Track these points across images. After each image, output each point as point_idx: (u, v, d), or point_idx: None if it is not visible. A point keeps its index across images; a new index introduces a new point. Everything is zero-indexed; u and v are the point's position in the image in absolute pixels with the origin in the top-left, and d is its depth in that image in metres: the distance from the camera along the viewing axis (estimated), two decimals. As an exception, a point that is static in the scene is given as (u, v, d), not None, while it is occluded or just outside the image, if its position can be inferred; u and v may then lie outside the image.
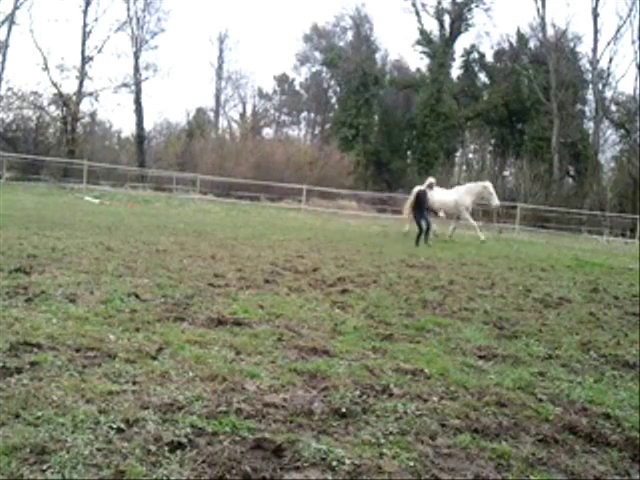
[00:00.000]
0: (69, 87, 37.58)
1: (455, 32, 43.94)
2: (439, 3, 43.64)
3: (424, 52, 45.15)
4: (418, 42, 44.89)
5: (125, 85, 39.11)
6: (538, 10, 40.59)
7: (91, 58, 37.61)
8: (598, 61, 39.93)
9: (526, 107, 42.32)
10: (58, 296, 4.65)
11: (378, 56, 46.92)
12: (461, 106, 44.89)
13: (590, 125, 42.70)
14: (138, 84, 39.81)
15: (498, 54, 45.85)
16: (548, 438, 2.72)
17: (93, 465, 2.13)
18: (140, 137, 41.59)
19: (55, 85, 35.65)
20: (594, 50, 39.79)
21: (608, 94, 41.77)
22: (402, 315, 5.20)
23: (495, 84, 44.86)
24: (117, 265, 6.45)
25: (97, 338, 3.61)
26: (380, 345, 4.08)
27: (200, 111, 49.04)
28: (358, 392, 3.08)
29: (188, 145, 41.34)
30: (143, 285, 5.47)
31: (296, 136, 51.67)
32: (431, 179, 15.14)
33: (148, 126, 45.72)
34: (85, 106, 39.07)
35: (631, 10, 38.01)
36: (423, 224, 13.66)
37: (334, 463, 2.30)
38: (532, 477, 2.36)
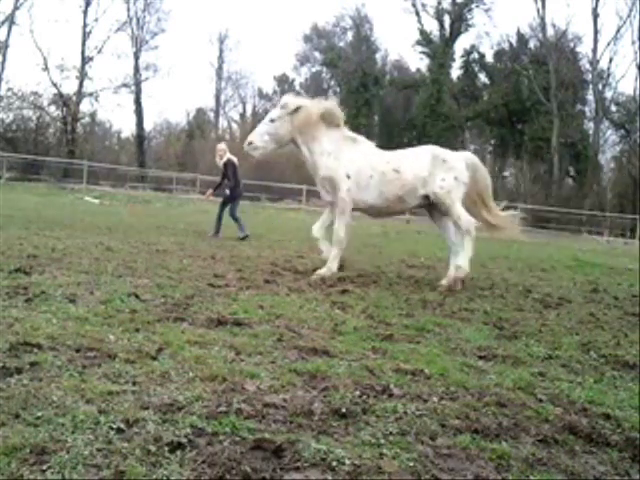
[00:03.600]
0: (69, 87, 37.72)
1: (455, 32, 44.02)
2: (439, 3, 43.76)
3: (424, 52, 45.22)
4: (418, 42, 44.97)
5: (125, 85, 39.23)
6: (538, 10, 40.69)
7: (91, 58, 37.74)
8: (598, 61, 40.00)
9: (526, 107, 42.35)
10: (58, 296, 4.65)
11: (378, 56, 47.01)
12: (461, 106, 44.93)
13: (590, 125, 42.76)
14: (138, 84, 39.91)
15: (498, 54, 45.90)
16: (548, 438, 2.72)
17: (93, 465, 2.13)
18: (140, 137, 41.65)
19: (55, 85, 35.77)
20: (594, 50, 39.87)
21: (608, 94, 41.84)
22: (402, 315, 5.20)
23: (495, 84, 44.91)
24: (117, 265, 6.44)
25: (97, 338, 3.60)
26: (380, 345, 4.08)
27: (200, 111, 49.10)
28: (358, 392, 3.08)
29: (188, 145, 41.40)
30: (143, 285, 5.47)
31: (296, 136, 51.64)
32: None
33: (148, 126, 45.84)
34: (85, 106, 39.20)
35: (631, 10, 38.14)
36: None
37: (334, 463, 2.30)
38: (532, 477, 2.35)
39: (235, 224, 11.48)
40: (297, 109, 6.81)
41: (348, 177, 6.76)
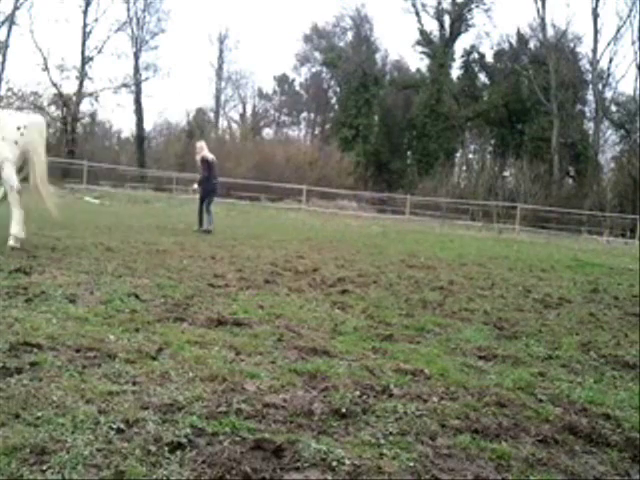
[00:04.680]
0: (69, 87, 37.55)
1: (455, 32, 43.97)
2: (439, 3, 43.69)
3: (424, 52, 45.16)
4: (418, 42, 44.91)
5: (125, 85, 39.12)
6: (538, 10, 40.61)
7: (91, 58, 37.64)
8: (598, 61, 39.94)
9: (526, 107, 42.31)
10: (58, 296, 4.65)
11: (378, 56, 46.88)
12: (461, 106, 44.84)
13: (590, 125, 42.69)
14: (138, 84, 39.84)
15: (498, 54, 45.83)
16: (548, 438, 2.72)
17: (93, 465, 2.13)
18: (140, 137, 41.58)
19: (55, 85, 35.69)
20: (594, 50, 39.80)
21: (608, 94, 41.76)
22: (402, 315, 5.20)
23: (495, 84, 44.85)
24: (117, 265, 6.45)
25: (97, 338, 3.61)
26: (380, 345, 4.08)
27: (200, 111, 48.97)
28: (358, 392, 3.08)
29: (188, 145, 41.27)
30: (143, 285, 5.47)
31: (296, 136, 51.62)
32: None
33: (148, 126, 45.72)
34: (85, 106, 39.08)
35: (631, 10, 38.04)
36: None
37: (334, 463, 2.30)
38: (532, 477, 2.36)
39: (206, 217, 12.21)
40: None
41: None
